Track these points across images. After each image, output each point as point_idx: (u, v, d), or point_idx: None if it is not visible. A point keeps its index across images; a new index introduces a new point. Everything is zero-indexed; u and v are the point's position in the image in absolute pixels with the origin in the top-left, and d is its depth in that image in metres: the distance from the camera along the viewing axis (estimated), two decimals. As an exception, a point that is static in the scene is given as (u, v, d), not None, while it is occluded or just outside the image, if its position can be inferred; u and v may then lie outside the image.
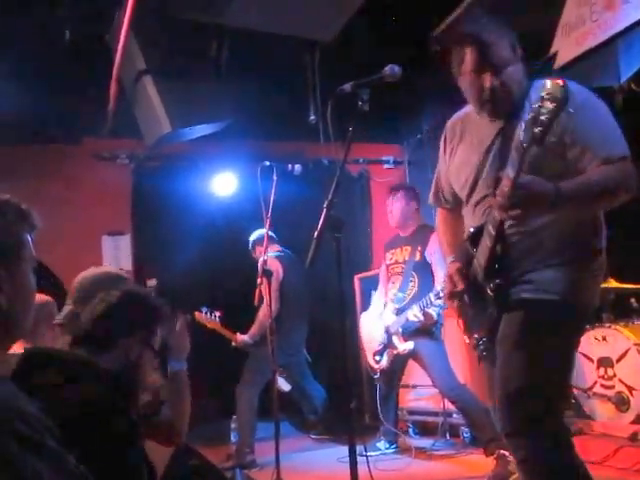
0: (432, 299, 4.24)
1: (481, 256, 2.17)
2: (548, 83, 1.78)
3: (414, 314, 4.36)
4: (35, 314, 2.65)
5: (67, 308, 2.02)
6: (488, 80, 2.17)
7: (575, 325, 2.20)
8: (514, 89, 2.19)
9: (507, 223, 2.11)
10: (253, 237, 5.34)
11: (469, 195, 2.31)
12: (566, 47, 4.34)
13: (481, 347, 2.30)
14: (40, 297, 2.86)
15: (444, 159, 2.48)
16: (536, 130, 1.78)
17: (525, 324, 2.10)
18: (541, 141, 1.80)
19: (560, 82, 1.78)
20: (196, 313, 5.10)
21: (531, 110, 1.80)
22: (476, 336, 2.30)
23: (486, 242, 2.13)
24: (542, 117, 1.77)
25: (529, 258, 2.14)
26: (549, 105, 1.76)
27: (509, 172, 1.90)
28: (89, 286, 2.03)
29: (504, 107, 2.21)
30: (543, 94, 1.77)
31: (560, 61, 4.34)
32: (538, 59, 4.36)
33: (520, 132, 1.89)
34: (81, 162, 6.05)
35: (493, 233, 2.08)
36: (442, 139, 2.50)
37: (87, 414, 1.65)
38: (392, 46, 4.71)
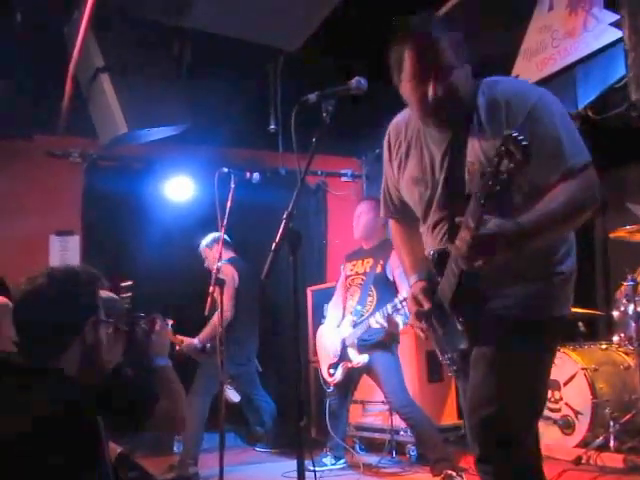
0: (389, 310, 4.21)
1: (446, 287, 2.06)
2: (506, 136, 1.66)
3: (376, 320, 4.29)
4: None
5: None
6: (431, 89, 1.97)
7: (548, 342, 2.09)
8: (460, 94, 2.01)
9: None
10: (205, 241, 5.24)
11: (425, 215, 2.20)
12: (526, 71, 4.40)
13: (454, 367, 2.20)
14: None
15: (390, 168, 2.32)
16: (496, 189, 1.69)
17: (498, 346, 2.01)
18: (500, 198, 1.72)
19: (519, 137, 1.64)
20: None
21: (488, 164, 1.71)
22: (449, 356, 2.20)
23: (450, 278, 2.01)
24: (502, 176, 1.67)
25: (500, 276, 2.01)
26: (508, 164, 1.66)
27: (469, 222, 1.80)
28: None
29: (450, 115, 2.04)
30: (501, 148, 1.66)
31: (520, 84, 4.39)
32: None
33: (484, 159, 1.85)
34: (32, 158, 5.87)
35: (457, 272, 1.97)
36: (385, 144, 2.33)
37: (41, 425, 1.63)
38: (353, 59, 4.71)
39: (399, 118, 2.31)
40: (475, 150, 1.99)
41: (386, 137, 2.33)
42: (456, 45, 2.00)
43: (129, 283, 2.46)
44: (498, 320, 2.02)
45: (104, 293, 2.49)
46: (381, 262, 4.54)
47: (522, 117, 1.95)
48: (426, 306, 2.14)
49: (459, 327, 2.04)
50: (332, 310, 4.89)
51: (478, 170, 1.87)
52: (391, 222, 2.51)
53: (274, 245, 2.00)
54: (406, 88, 2.05)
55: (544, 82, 4.28)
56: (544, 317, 2.02)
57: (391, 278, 4.48)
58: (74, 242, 5.98)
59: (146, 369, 2.19)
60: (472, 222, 1.78)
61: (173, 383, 2.22)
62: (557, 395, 4.31)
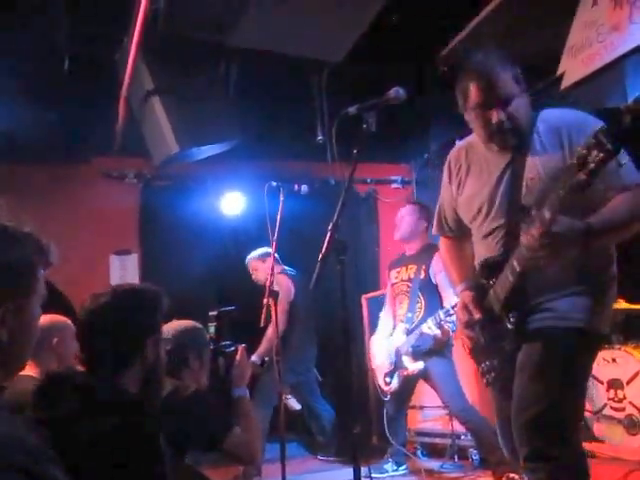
0: (442, 316, 4.20)
1: (500, 288, 2.17)
2: (598, 129, 1.73)
3: (428, 327, 4.28)
4: (62, 334, 2.73)
5: None
6: (495, 115, 2.18)
7: (591, 352, 2.22)
8: (521, 121, 2.21)
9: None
10: (255, 253, 5.33)
11: (480, 225, 2.33)
12: (573, 68, 4.34)
13: (490, 375, 2.30)
14: (59, 318, 2.89)
15: (449, 189, 2.49)
16: (582, 177, 1.75)
17: (544, 353, 2.11)
18: (585, 189, 1.79)
19: (610, 130, 1.73)
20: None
21: (575, 155, 1.77)
22: (487, 363, 2.29)
23: (508, 276, 2.13)
24: (590, 165, 1.73)
25: (549, 287, 2.15)
26: (597, 154, 1.72)
27: (545, 214, 1.90)
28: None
29: (511, 140, 2.22)
30: (591, 140, 1.73)
31: (567, 82, 4.34)
32: (544, 80, 4.37)
33: (545, 175, 1.99)
34: (90, 181, 6.06)
35: (518, 269, 2.07)
36: (446, 167, 2.51)
37: (106, 447, 1.66)
38: (400, 65, 4.73)
39: (460, 145, 2.49)
40: (535, 167, 2.15)
41: (447, 162, 2.51)
42: (515, 77, 2.21)
43: (214, 313, 2.53)
44: (543, 329, 2.14)
45: (189, 323, 2.58)
46: (424, 267, 4.55)
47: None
48: (477, 316, 2.26)
49: (509, 326, 2.12)
50: (384, 319, 4.91)
51: (538, 183, 2.07)
52: (441, 237, 2.67)
53: (320, 256, 2.07)
54: (471, 116, 2.26)
55: (591, 78, 4.22)
56: (587, 328, 2.13)
57: (434, 282, 4.48)
58: (133, 261, 6.14)
59: (224, 398, 2.25)
60: (548, 214, 1.88)
61: (250, 414, 2.28)
62: (620, 394, 4.22)
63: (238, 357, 2.34)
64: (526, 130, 2.23)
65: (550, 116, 2.25)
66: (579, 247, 1.99)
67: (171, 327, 2.55)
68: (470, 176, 2.38)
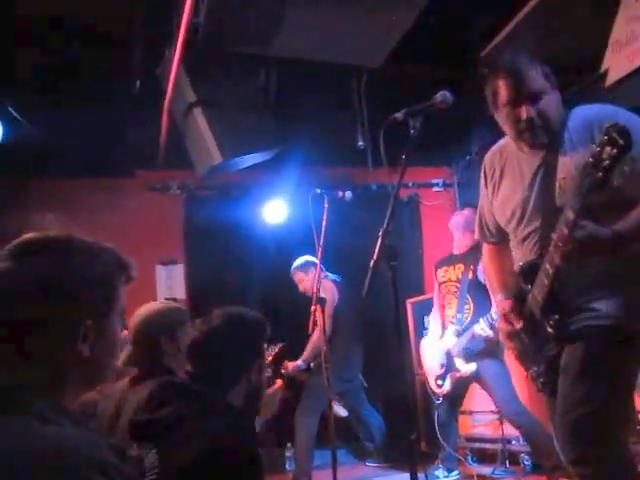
0: (494, 316, 4.14)
1: (537, 292, 2.14)
2: (608, 126, 1.73)
3: (481, 328, 4.25)
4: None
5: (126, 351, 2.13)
6: (524, 111, 2.15)
7: (633, 350, 2.14)
8: (551, 118, 2.17)
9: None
10: (296, 264, 5.35)
11: (515, 229, 2.31)
12: (617, 64, 4.26)
13: (539, 380, 2.28)
14: None
15: (486, 194, 2.48)
16: (598, 175, 1.75)
17: (587, 353, 2.08)
18: (603, 186, 1.78)
19: (621, 125, 1.73)
20: None
21: (590, 154, 1.77)
22: (535, 369, 2.27)
23: (543, 280, 2.10)
24: (604, 163, 1.73)
25: (589, 287, 2.10)
26: (610, 150, 1.72)
27: (569, 215, 1.88)
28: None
29: (542, 137, 2.19)
30: (604, 138, 1.72)
31: (611, 79, 4.26)
32: (589, 77, 4.31)
33: (576, 173, 1.91)
34: (134, 194, 6.16)
35: (551, 272, 2.05)
36: (482, 173, 2.49)
37: (216, 448, 1.75)
38: (439, 68, 4.70)
39: (494, 148, 2.47)
40: (567, 166, 2.11)
41: (482, 166, 2.50)
42: (545, 74, 2.19)
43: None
44: (586, 328, 2.09)
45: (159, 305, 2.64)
46: (472, 267, 4.51)
47: None
48: (517, 325, 2.24)
49: (550, 330, 2.10)
50: (433, 321, 4.88)
51: (570, 182, 2.01)
52: (484, 244, 2.65)
53: (372, 262, 2.07)
54: (502, 114, 2.24)
55: (637, 73, 4.14)
56: (633, 326, 2.08)
57: (483, 282, 4.43)
58: (178, 271, 6.22)
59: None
60: (572, 215, 1.87)
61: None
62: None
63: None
64: (557, 127, 2.19)
65: (581, 113, 2.21)
66: (607, 252, 1.97)
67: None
68: (504, 179, 2.36)
